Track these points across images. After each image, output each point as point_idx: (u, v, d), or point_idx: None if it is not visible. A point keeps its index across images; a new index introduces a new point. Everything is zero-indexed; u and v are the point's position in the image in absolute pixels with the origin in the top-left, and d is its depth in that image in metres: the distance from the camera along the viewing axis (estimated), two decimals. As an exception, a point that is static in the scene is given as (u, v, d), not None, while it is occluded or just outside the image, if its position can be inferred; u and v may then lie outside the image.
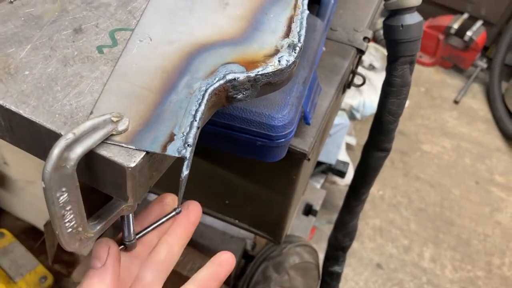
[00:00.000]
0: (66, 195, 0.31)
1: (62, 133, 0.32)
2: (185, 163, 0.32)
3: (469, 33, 2.59)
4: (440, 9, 2.78)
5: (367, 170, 0.82)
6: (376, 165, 0.81)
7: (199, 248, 1.03)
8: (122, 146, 0.32)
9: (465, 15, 2.69)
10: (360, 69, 2.07)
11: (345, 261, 1.02)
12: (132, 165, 0.31)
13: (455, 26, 2.62)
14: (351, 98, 1.73)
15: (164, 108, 0.34)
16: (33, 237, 1.49)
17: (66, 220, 0.32)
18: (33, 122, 0.33)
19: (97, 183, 0.34)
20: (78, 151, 0.30)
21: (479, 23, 2.65)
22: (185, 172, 0.33)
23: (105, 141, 0.32)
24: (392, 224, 1.99)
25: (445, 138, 2.42)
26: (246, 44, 0.40)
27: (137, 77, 0.36)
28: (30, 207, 1.59)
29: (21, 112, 0.33)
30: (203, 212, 0.88)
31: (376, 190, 2.10)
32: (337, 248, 0.99)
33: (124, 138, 0.32)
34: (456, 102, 2.63)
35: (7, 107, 0.33)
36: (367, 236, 1.93)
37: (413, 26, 0.65)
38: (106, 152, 0.31)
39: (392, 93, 0.71)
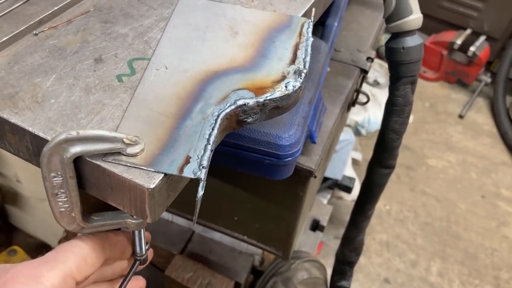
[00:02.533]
0: (60, 179, 0.35)
1: (87, 158, 0.34)
2: (201, 184, 0.35)
3: (472, 48, 2.62)
4: (443, 25, 2.82)
5: (372, 187, 0.84)
6: (381, 181, 0.83)
7: (208, 264, 1.05)
8: (142, 169, 0.34)
9: (468, 31, 2.72)
10: (364, 85, 2.10)
11: (352, 276, 1.04)
12: (152, 186, 0.34)
13: (459, 41, 2.65)
14: (356, 114, 1.75)
15: (180, 132, 0.37)
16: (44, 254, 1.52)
17: (59, 200, 0.37)
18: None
19: (119, 204, 0.37)
20: (77, 149, 0.33)
21: (482, 38, 2.67)
22: (201, 192, 0.35)
23: (126, 164, 0.34)
24: (399, 238, 2.00)
25: (450, 152, 2.43)
26: (255, 71, 0.43)
27: (155, 103, 0.39)
28: (42, 225, 1.61)
29: (48, 138, 0.36)
30: (213, 229, 0.91)
31: (382, 205, 2.11)
32: (344, 263, 1.01)
33: (143, 161, 0.35)
34: (460, 116, 2.65)
35: (35, 133, 0.36)
36: (374, 251, 1.94)
37: (413, 48, 0.68)
38: (127, 174, 0.34)
39: (395, 112, 0.74)
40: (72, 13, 0.48)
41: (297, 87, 0.42)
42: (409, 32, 0.68)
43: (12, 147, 0.39)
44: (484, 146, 2.50)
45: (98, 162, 0.34)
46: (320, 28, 0.85)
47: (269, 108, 0.42)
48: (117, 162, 0.34)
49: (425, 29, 2.83)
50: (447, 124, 2.60)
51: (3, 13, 0.46)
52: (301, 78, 0.43)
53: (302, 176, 0.71)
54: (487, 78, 2.74)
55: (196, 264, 1.03)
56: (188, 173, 0.35)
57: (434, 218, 2.10)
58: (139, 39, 0.46)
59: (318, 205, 1.48)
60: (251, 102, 0.40)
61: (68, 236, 0.93)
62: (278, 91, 0.41)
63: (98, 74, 0.41)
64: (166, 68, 0.42)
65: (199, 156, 0.36)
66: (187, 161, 0.35)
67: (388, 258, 1.93)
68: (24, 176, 1.44)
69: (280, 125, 0.61)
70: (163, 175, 0.34)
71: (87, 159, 0.35)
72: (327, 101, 0.80)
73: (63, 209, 0.37)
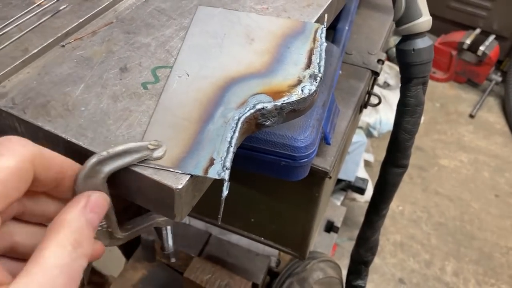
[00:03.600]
0: None
1: None
2: (225, 184, 0.37)
3: (482, 48, 2.62)
4: (452, 26, 2.82)
5: (386, 186, 0.86)
6: (394, 181, 0.84)
7: (225, 266, 1.07)
8: (170, 171, 0.36)
9: (477, 30, 2.73)
10: (375, 87, 2.11)
11: (368, 275, 1.05)
12: (180, 186, 0.36)
13: (468, 41, 2.65)
14: (367, 116, 1.77)
15: (203, 136, 0.39)
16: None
17: None
18: (91, 152, 0.38)
19: (148, 204, 0.39)
20: (110, 167, 0.35)
21: (491, 37, 2.67)
22: (225, 192, 0.37)
23: (154, 166, 0.36)
24: (413, 239, 2.00)
25: (462, 152, 2.43)
26: (272, 76, 0.45)
27: (178, 109, 0.41)
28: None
29: (80, 143, 0.38)
30: (230, 230, 0.92)
31: (395, 205, 2.12)
32: (360, 263, 1.02)
33: (170, 164, 0.37)
34: (471, 116, 2.64)
35: (68, 139, 0.38)
36: (388, 252, 1.94)
37: (424, 50, 0.70)
38: (156, 176, 0.36)
39: (407, 113, 0.75)
40: (96, 25, 0.51)
41: (312, 91, 0.44)
42: (419, 34, 0.70)
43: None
44: (496, 145, 2.49)
45: (131, 166, 0.37)
46: (332, 32, 0.87)
47: (286, 111, 0.43)
48: (146, 165, 0.36)
49: (433, 30, 2.84)
50: (458, 124, 2.60)
51: (32, 27, 0.48)
52: (316, 82, 0.44)
53: (317, 177, 0.73)
54: (497, 77, 2.74)
55: (214, 266, 1.04)
56: (212, 174, 0.37)
57: (447, 218, 2.10)
58: (161, 48, 0.48)
59: (332, 206, 1.49)
60: (269, 106, 0.42)
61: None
62: (294, 94, 0.43)
63: (124, 82, 0.43)
64: (188, 75, 0.44)
65: (222, 158, 0.37)
66: (211, 162, 0.37)
67: (403, 258, 1.93)
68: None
69: (296, 127, 0.62)
70: (189, 176, 0.36)
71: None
72: (340, 103, 0.82)
73: (100, 228, 0.39)
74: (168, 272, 1.16)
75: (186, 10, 0.53)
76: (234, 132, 0.40)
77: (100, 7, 0.52)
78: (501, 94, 2.79)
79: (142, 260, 1.20)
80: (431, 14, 0.70)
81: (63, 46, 0.47)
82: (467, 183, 2.27)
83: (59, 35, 0.48)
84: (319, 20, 0.55)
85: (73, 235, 0.31)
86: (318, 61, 0.47)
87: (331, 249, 1.34)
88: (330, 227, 1.40)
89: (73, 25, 0.49)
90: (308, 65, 0.46)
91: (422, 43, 0.70)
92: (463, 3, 2.77)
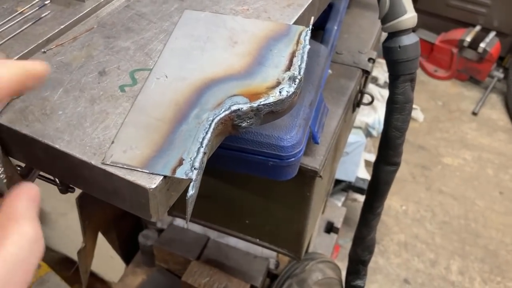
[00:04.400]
0: None
1: (92, 162, 0.37)
2: (191, 184, 0.37)
3: (482, 45, 2.61)
4: (452, 23, 2.81)
5: (379, 185, 0.86)
6: (387, 179, 0.84)
7: (224, 269, 1.07)
8: (139, 171, 0.37)
9: (478, 28, 2.72)
10: (374, 87, 2.11)
11: (367, 274, 1.04)
12: (153, 186, 0.36)
13: (468, 38, 2.65)
14: (366, 116, 1.76)
15: (175, 136, 0.39)
16: (67, 267, 1.56)
17: None
18: (67, 154, 0.38)
19: (124, 205, 0.39)
20: None
21: (492, 34, 2.66)
22: (191, 192, 0.37)
23: (123, 166, 0.37)
24: (417, 238, 1.99)
25: (465, 150, 2.42)
26: (251, 78, 0.45)
27: (153, 110, 0.41)
28: (64, 238, 1.66)
29: (57, 146, 0.39)
30: (226, 233, 0.93)
31: (399, 205, 2.11)
32: (358, 263, 1.02)
33: (139, 163, 0.37)
34: (474, 113, 2.63)
35: (45, 142, 0.39)
36: (392, 252, 1.94)
37: (410, 47, 0.70)
38: (130, 176, 0.37)
39: (396, 110, 0.75)
40: (77, 31, 0.52)
41: (291, 93, 0.44)
42: (405, 31, 0.70)
43: (26, 159, 0.42)
44: (500, 142, 2.48)
45: (103, 167, 0.37)
46: (321, 32, 0.87)
47: (263, 113, 0.43)
48: (114, 165, 0.37)
49: (434, 28, 2.84)
50: (461, 122, 2.59)
51: (13, 34, 0.49)
52: (295, 84, 0.44)
53: (308, 176, 0.73)
54: (499, 74, 2.73)
55: (212, 269, 1.05)
56: (180, 174, 0.37)
57: (452, 216, 2.09)
58: (140, 51, 0.48)
59: (332, 207, 1.49)
60: (245, 107, 0.42)
61: (87, 246, 0.97)
62: (272, 96, 0.43)
63: (102, 86, 0.44)
64: (166, 76, 0.45)
65: (192, 158, 0.38)
66: (180, 163, 0.37)
67: (407, 258, 1.92)
68: (43, 192, 1.48)
69: (282, 127, 0.63)
70: (163, 176, 0.37)
71: (92, 163, 0.37)
72: (330, 102, 0.82)
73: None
74: (167, 276, 1.16)
75: (166, 14, 0.54)
76: (206, 133, 0.40)
77: (82, 13, 0.53)
78: (503, 91, 2.77)
79: (142, 265, 1.20)
80: (431, 13, 0.70)
81: (44, 52, 0.48)
82: (471, 181, 2.26)
83: (40, 41, 0.48)
84: (299, 20, 0.55)
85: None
86: (299, 63, 0.46)
87: (331, 249, 1.34)
88: (330, 228, 1.40)
89: (54, 32, 0.50)
90: (289, 67, 0.46)
91: (408, 40, 0.70)
92: (463, 0, 2.76)
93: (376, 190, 0.87)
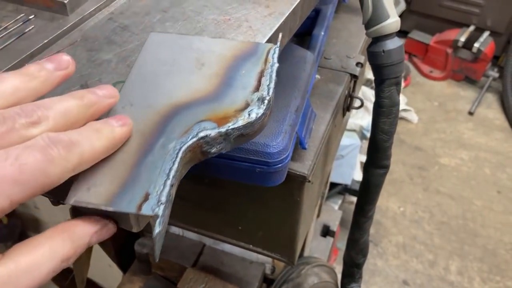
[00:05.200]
0: None
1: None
2: (157, 220, 0.35)
3: (476, 45, 2.62)
4: (446, 24, 2.83)
5: (369, 188, 0.86)
6: (377, 182, 0.85)
7: (220, 275, 1.07)
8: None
9: (471, 28, 2.73)
10: (368, 90, 2.12)
11: (362, 277, 1.05)
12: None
13: (462, 39, 2.66)
14: (360, 119, 1.77)
15: (141, 169, 0.37)
16: (65, 276, 1.56)
17: None
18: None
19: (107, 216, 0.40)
20: None
21: (486, 34, 2.67)
22: (157, 229, 0.35)
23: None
24: (416, 239, 2.00)
25: (462, 150, 2.42)
26: (219, 101, 0.43)
27: None
28: (61, 248, 1.66)
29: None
30: (219, 239, 0.93)
31: (396, 207, 2.11)
32: (352, 266, 1.02)
33: (104, 201, 0.36)
34: (470, 113, 2.64)
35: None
36: (391, 254, 1.94)
37: (394, 51, 0.70)
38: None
39: (383, 113, 0.76)
40: (61, 45, 0.52)
41: (260, 114, 0.42)
42: (388, 36, 0.70)
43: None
44: (496, 141, 2.48)
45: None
46: (308, 38, 0.88)
47: (233, 137, 0.42)
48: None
49: (428, 29, 2.85)
50: (457, 122, 2.60)
51: (-3, 50, 0.50)
52: (264, 105, 0.42)
53: (297, 182, 0.74)
54: (494, 73, 2.74)
55: (207, 276, 1.05)
56: (146, 210, 0.35)
57: (450, 216, 2.09)
58: (122, 63, 0.49)
59: (328, 211, 1.49)
60: (213, 133, 0.40)
61: (82, 256, 0.97)
62: (240, 119, 0.41)
63: (84, 99, 0.45)
64: (131, 105, 0.43)
65: (158, 192, 0.36)
66: (146, 198, 0.36)
67: (406, 259, 1.92)
68: (41, 202, 1.49)
69: (268, 134, 0.63)
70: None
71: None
72: (318, 107, 0.82)
73: None
74: (164, 284, 1.16)
75: (148, 25, 0.55)
76: (173, 163, 0.38)
77: (66, 27, 0.54)
78: (499, 90, 2.78)
79: (139, 273, 1.21)
80: (424, 14, 0.71)
81: (27, 67, 0.49)
82: (469, 180, 2.26)
83: (23, 56, 0.49)
84: (281, 28, 0.56)
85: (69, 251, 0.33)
86: (268, 83, 0.44)
87: (328, 253, 1.34)
88: (326, 232, 1.40)
89: (38, 46, 0.51)
90: (257, 88, 0.44)
91: (392, 44, 0.71)
92: (456, 1, 2.78)
93: (367, 193, 0.87)
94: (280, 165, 0.65)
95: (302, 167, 0.73)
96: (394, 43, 0.71)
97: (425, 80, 2.88)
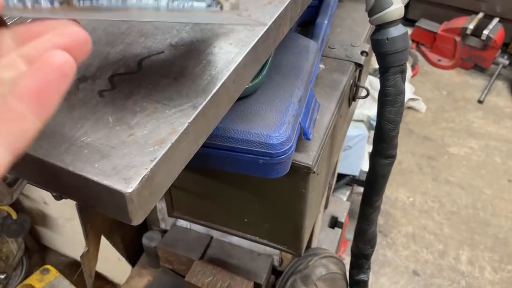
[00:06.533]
0: None
1: (70, 169, 0.37)
2: None
3: (486, 32, 2.58)
4: (454, 12, 2.79)
5: (376, 178, 0.85)
6: (383, 172, 0.84)
7: (228, 268, 1.07)
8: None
9: (480, 15, 2.69)
10: (376, 80, 2.09)
11: (370, 268, 1.04)
12: (129, 190, 0.36)
13: (471, 26, 2.62)
14: (367, 109, 1.76)
15: None
16: (76, 271, 1.58)
17: None
18: (43, 161, 0.39)
19: (106, 209, 0.40)
20: None
21: (495, 20, 2.63)
22: None
23: None
24: (425, 229, 1.98)
25: (472, 139, 2.40)
26: None
27: None
28: (71, 242, 1.67)
29: (32, 153, 0.39)
30: (225, 232, 0.93)
31: (406, 197, 2.10)
32: (360, 257, 1.01)
33: None
34: (480, 101, 2.61)
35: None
36: (400, 244, 1.93)
37: (398, 38, 0.69)
38: (107, 181, 0.37)
39: (388, 102, 0.75)
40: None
41: None
42: (392, 23, 0.69)
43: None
44: (507, 129, 2.45)
45: (81, 173, 0.37)
46: (311, 27, 0.87)
47: None
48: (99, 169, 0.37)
49: (436, 17, 2.81)
50: (467, 111, 2.57)
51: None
52: None
53: (302, 173, 0.73)
54: (504, 61, 2.70)
55: (215, 268, 1.05)
56: None
57: (460, 206, 2.08)
58: (121, 54, 0.49)
59: (336, 202, 1.49)
60: None
61: (90, 250, 0.97)
62: None
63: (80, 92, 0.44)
64: None
65: None
66: None
67: (416, 250, 1.91)
68: (50, 198, 1.50)
69: (270, 125, 0.63)
70: (140, 177, 0.37)
71: (71, 170, 0.37)
72: (322, 97, 0.81)
73: None
74: (172, 277, 1.17)
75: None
76: None
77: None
78: (509, 78, 2.74)
79: (147, 267, 1.21)
80: (433, 2, 0.70)
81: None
82: (479, 169, 2.24)
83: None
84: (281, 16, 0.55)
85: None
86: None
87: (336, 244, 1.34)
88: (334, 223, 1.39)
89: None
90: None
91: (396, 31, 0.70)
92: (464, -12, 2.74)
93: (373, 183, 0.87)
94: (283, 156, 0.64)
95: (306, 158, 0.72)
96: (398, 30, 0.70)
97: (433, 69, 2.85)
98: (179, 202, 0.91)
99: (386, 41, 0.70)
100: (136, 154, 0.39)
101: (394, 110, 0.76)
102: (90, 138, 0.40)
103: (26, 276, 1.54)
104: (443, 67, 2.83)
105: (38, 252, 1.77)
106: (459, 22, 2.69)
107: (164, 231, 1.21)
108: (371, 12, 0.70)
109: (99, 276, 1.60)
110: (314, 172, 0.73)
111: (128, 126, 0.41)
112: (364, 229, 0.95)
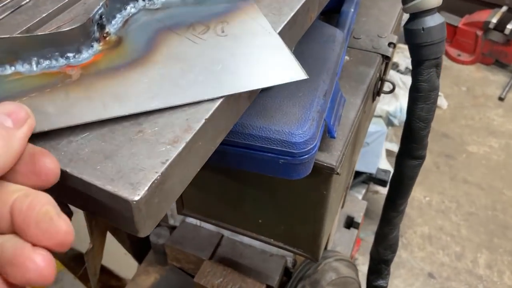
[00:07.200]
0: None
1: (68, 170, 0.32)
2: None
3: (509, 26, 2.49)
4: (476, 5, 2.70)
5: (402, 180, 0.79)
6: (411, 174, 0.78)
7: (239, 268, 1.02)
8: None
9: (504, 8, 2.59)
10: (395, 73, 2.02)
11: (389, 274, 0.99)
12: (137, 198, 0.31)
13: (494, 20, 2.53)
14: (387, 104, 1.69)
15: None
16: (81, 264, 1.53)
17: None
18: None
19: (110, 218, 0.34)
20: None
21: (519, 15, 2.54)
22: None
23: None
24: (442, 230, 1.92)
25: (492, 137, 2.32)
26: None
27: None
28: (77, 236, 1.63)
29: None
30: (238, 233, 0.88)
31: (422, 196, 2.03)
32: (380, 262, 0.96)
33: None
34: (501, 99, 2.52)
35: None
36: (416, 245, 1.86)
37: (434, 28, 0.63)
38: (110, 186, 0.31)
39: (420, 99, 0.69)
40: (62, 19, 0.46)
41: None
42: (429, 11, 0.63)
43: None
44: (528, 128, 2.37)
45: (81, 176, 0.32)
46: (336, 15, 0.81)
47: None
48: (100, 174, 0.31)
49: (457, 11, 2.72)
50: (487, 108, 2.48)
51: (-11, 25, 0.44)
52: None
53: (324, 174, 0.67)
54: (527, 57, 2.61)
55: (225, 269, 1.00)
56: None
57: (478, 207, 2.01)
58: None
59: (352, 201, 1.42)
60: None
61: (94, 247, 0.93)
62: None
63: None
64: None
65: None
66: None
67: (431, 251, 1.85)
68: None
69: (293, 121, 0.57)
70: (149, 184, 0.32)
71: (69, 172, 0.32)
72: (348, 92, 0.75)
73: None
74: (180, 275, 1.12)
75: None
76: None
77: (67, 0, 0.48)
78: (532, 74, 2.66)
79: (154, 264, 1.16)
80: None
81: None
82: (498, 169, 2.16)
83: (18, 32, 0.43)
84: (308, 2, 0.49)
85: None
86: None
87: (352, 246, 1.28)
88: (350, 223, 1.33)
89: (35, 21, 0.45)
90: None
91: (432, 21, 0.63)
92: (487, -19, 2.64)
93: (399, 185, 0.81)
94: (306, 156, 0.58)
95: (330, 158, 0.66)
96: (435, 20, 0.64)
97: (453, 64, 2.77)
98: (190, 199, 0.86)
99: (422, 32, 0.64)
100: (145, 155, 0.33)
101: (427, 108, 0.69)
102: (92, 135, 0.35)
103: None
104: (462, 62, 2.75)
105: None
106: (481, 15, 2.60)
107: (172, 228, 1.16)
108: (405, -1, 0.63)
109: (104, 270, 1.56)
110: (337, 173, 0.67)
111: (137, 122, 0.36)
112: (386, 233, 0.89)
